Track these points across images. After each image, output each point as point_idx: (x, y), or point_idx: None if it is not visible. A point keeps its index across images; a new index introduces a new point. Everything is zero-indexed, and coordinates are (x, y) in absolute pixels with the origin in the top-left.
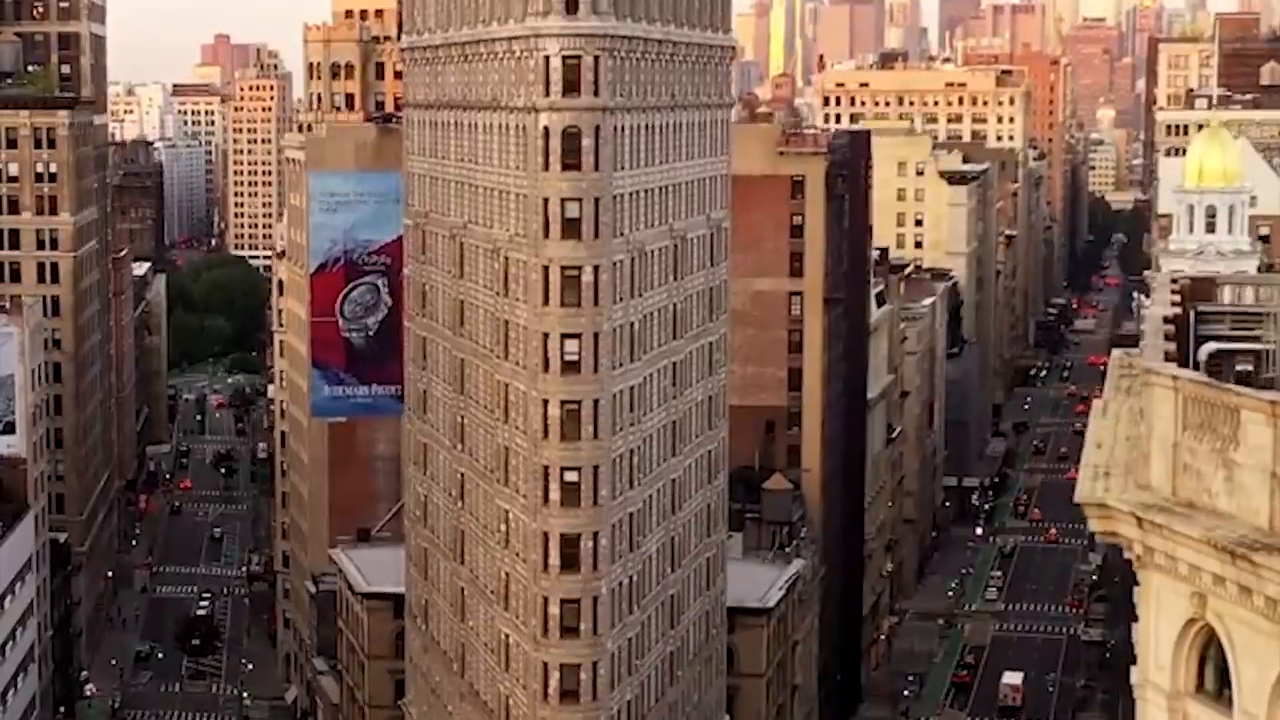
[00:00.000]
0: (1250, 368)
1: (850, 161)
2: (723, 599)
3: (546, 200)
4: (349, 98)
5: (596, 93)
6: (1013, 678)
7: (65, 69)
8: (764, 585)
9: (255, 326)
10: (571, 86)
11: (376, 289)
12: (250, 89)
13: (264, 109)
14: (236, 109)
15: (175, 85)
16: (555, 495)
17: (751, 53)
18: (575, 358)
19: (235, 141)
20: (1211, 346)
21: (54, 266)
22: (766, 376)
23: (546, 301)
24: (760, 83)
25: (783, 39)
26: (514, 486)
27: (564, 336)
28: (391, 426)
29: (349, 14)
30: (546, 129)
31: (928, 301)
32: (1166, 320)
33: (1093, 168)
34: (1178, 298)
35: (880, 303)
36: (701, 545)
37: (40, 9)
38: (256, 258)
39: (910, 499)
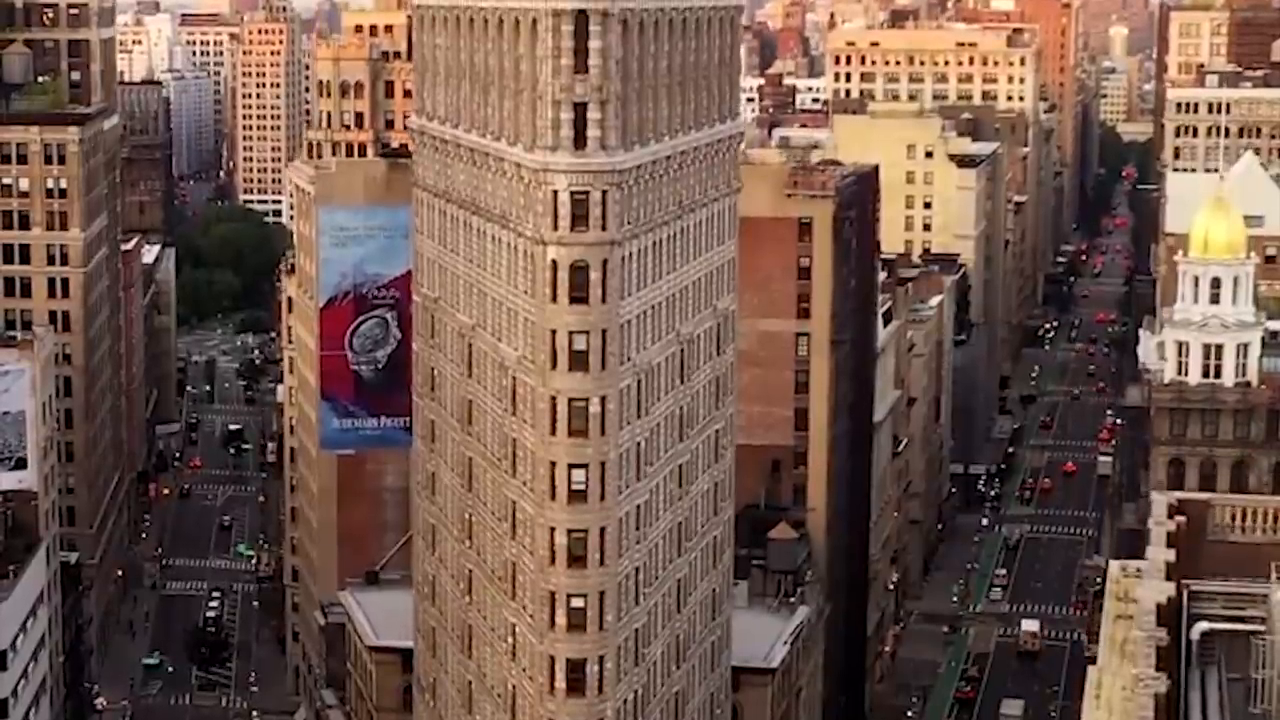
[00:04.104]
0: None
1: (858, 202)
2: (727, 675)
3: (554, 332)
4: (358, 116)
5: (604, 226)
6: (1030, 625)
7: (75, 76)
8: (769, 638)
9: (265, 281)
10: (580, 220)
11: (385, 322)
12: (259, 32)
13: (273, 53)
14: (245, 52)
15: (184, 15)
16: (561, 620)
17: None
18: (582, 487)
19: (244, 85)
20: (1204, 626)
21: (64, 282)
22: (773, 416)
23: (554, 431)
24: None
25: None
26: (520, 603)
27: (571, 466)
28: (400, 458)
29: (358, 29)
30: (554, 262)
31: (935, 300)
32: (1159, 609)
33: (1104, 96)
34: (1172, 553)
35: (887, 320)
36: (706, 630)
37: (50, 15)
38: (265, 203)
39: (916, 500)
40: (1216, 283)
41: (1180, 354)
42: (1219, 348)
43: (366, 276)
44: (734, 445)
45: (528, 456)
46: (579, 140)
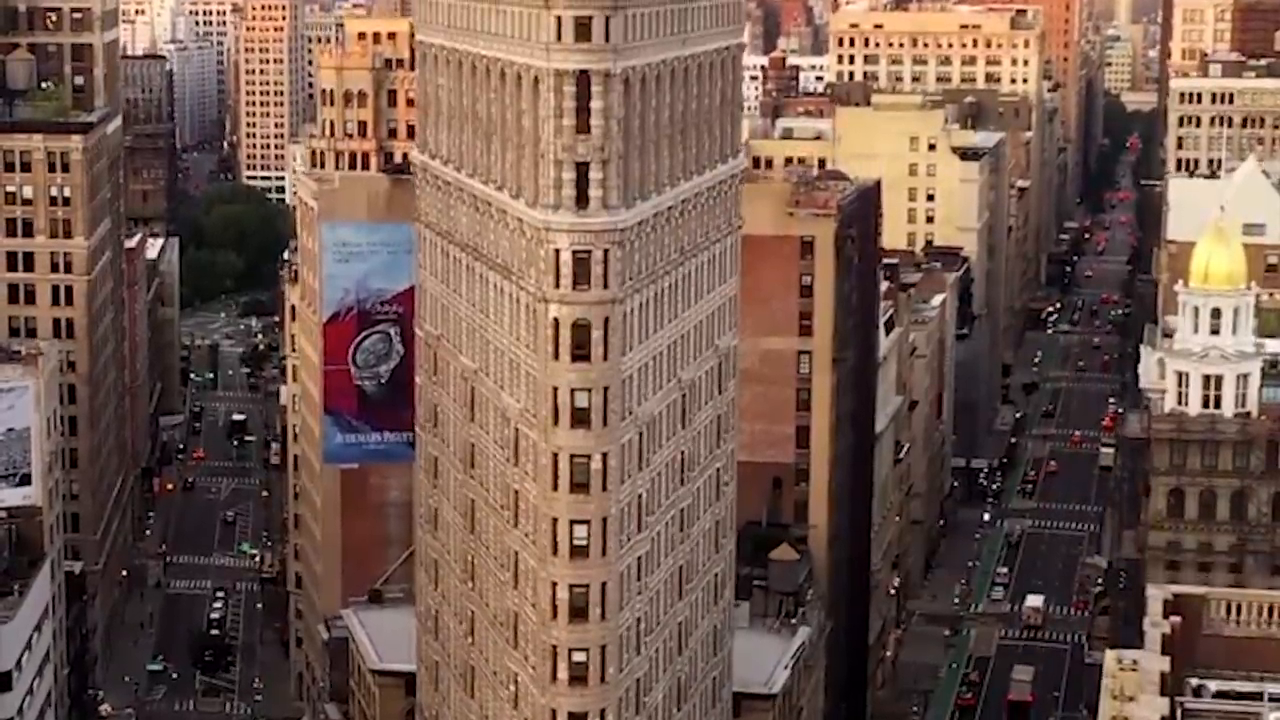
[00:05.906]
0: None
1: (859, 219)
2: (729, 706)
3: (556, 389)
4: (361, 125)
5: (606, 284)
6: (1034, 600)
7: (78, 80)
8: (770, 661)
9: (268, 262)
10: (581, 279)
11: (389, 337)
12: (262, 8)
13: (275, 28)
14: (249, 27)
15: None
16: (563, 674)
17: None
18: (584, 542)
19: (247, 61)
20: None
21: (68, 289)
22: (775, 434)
23: (556, 487)
24: None
25: None
26: (522, 653)
27: (573, 522)
28: (404, 472)
29: (361, 36)
30: (557, 320)
31: (937, 300)
32: None
33: (1109, 64)
34: (1167, 661)
35: (889, 327)
36: (708, 667)
37: (53, 19)
38: (269, 179)
39: (917, 500)
40: (1217, 313)
41: (1180, 384)
42: (1219, 378)
43: (370, 292)
44: (735, 479)
45: (529, 509)
46: (581, 200)
